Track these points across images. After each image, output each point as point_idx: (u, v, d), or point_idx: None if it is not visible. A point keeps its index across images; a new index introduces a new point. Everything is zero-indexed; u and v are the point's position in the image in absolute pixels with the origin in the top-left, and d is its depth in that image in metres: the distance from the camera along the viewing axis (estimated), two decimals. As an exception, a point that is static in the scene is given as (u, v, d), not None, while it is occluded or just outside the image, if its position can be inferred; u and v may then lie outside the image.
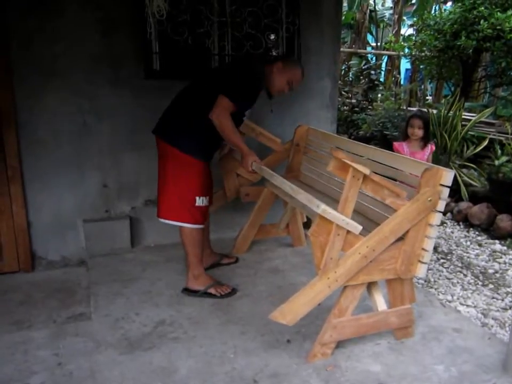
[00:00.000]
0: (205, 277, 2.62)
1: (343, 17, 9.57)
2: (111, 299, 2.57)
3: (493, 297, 2.88)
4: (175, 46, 2.99)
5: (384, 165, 2.34)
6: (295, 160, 3.13)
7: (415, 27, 8.51)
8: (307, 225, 3.38)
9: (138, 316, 2.41)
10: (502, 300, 2.84)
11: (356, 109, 7.64)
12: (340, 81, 6.46)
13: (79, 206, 3.09)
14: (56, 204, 3.02)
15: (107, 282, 2.75)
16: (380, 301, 2.15)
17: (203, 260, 2.67)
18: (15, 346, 2.14)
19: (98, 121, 3.02)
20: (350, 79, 8.18)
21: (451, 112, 5.14)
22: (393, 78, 9.79)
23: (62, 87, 2.89)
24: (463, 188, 4.48)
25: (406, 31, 11.89)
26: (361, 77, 8.10)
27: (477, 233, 4.05)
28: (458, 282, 3.05)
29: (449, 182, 1.94)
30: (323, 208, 1.83)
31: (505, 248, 3.65)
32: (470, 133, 5.22)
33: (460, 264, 3.36)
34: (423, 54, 6.92)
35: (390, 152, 2.43)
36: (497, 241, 3.79)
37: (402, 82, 10.58)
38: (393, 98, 7.72)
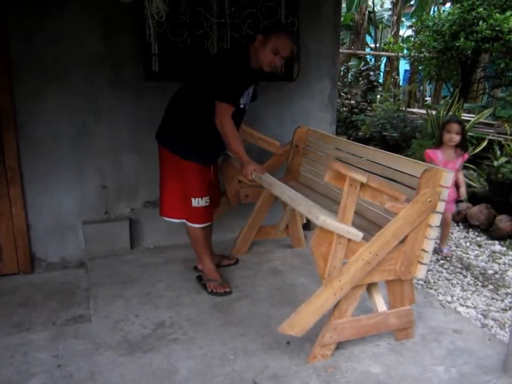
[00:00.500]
0: (211, 271, 2.69)
1: (342, 19, 9.56)
2: (111, 301, 2.57)
3: (493, 298, 2.88)
4: (174, 48, 2.99)
5: (383, 165, 2.34)
6: (294, 161, 3.14)
7: (414, 28, 8.54)
8: (307, 226, 3.40)
9: (138, 318, 2.40)
10: (502, 301, 2.84)
11: (355, 110, 7.65)
12: (339, 82, 6.46)
13: (78, 208, 3.08)
14: (56, 205, 3.02)
15: (107, 284, 2.75)
16: (380, 302, 2.15)
17: None
18: (14, 348, 2.14)
19: (98, 122, 3.02)
20: (349, 80, 8.20)
21: (450, 113, 5.15)
22: (392, 79, 9.79)
23: (62, 88, 2.88)
24: (462, 189, 4.47)
25: (405, 32, 11.91)
26: (360, 78, 8.11)
27: (476, 234, 4.05)
28: (458, 283, 3.05)
29: (448, 182, 1.94)
30: (322, 220, 1.84)
31: (504, 249, 3.65)
32: (469, 133, 5.21)
33: (459, 265, 3.36)
34: (422, 55, 6.93)
35: (389, 153, 2.43)
36: (496, 242, 3.79)
37: (401, 83, 10.59)
38: (392, 99, 7.73)
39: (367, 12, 10.81)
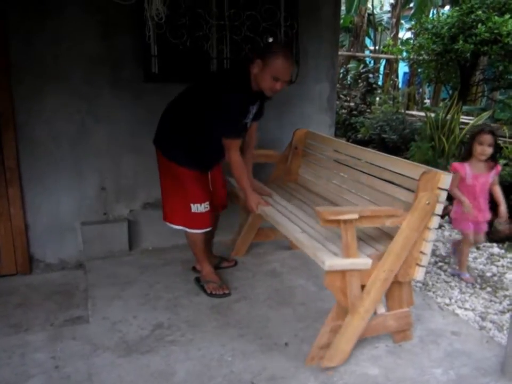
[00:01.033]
0: (210, 273, 2.70)
1: (341, 21, 9.58)
2: (109, 302, 2.56)
3: (491, 301, 2.88)
4: (174, 49, 2.99)
5: (382, 168, 2.34)
6: (293, 164, 3.14)
7: (413, 31, 8.55)
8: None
9: (136, 319, 2.40)
10: (500, 303, 2.84)
11: (354, 112, 7.65)
12: (338, 85, 6.47)
13: (77, 209, 3.08)
14: (54, 206, 3.02)
15: (105, 285, 2.75)
16: (378, 304, 2.14)
17: None
18: (12, 350, 2.14)
19: (97, 123, 3.02)
20: (348, 82, 8.22)
21: (449, 115, 5.16)
22: (391, 82, 9.80)
23: (61, 88, 2.88)
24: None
25: (404, 34, 11.93)
26: (359, 81, 8.12)
27: (474, 236, 4.05)
28: (456, 286, 3.05)
29: (447, 185, 1.95)
30: (329, 265, 1.86)
31: (503, 251, 3.65)
32: (468, 136, 5.23)
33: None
34: (421, 57, 6.94)
35: (388, 155, 2.43)
36: (495, 244, 3.78)
37: (400, 86, 10.59)
38: (391, 102, 7.74)
39: (366, 14, 10.83)
